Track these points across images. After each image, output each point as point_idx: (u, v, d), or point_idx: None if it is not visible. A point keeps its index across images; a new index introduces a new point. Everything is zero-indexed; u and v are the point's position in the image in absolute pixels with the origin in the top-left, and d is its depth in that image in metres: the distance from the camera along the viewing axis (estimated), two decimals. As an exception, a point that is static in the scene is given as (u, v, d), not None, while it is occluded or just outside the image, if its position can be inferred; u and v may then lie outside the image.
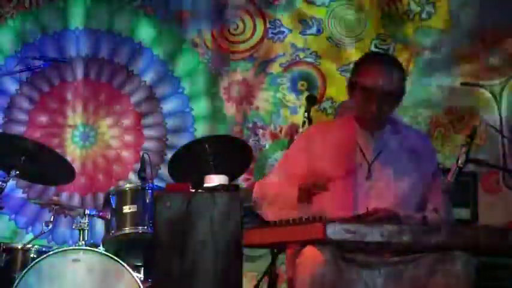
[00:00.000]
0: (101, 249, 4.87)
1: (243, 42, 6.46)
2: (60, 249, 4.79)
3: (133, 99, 6.40)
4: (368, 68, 3.80)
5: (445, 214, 3.81)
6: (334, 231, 3.37)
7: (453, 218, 3.92)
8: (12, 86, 6.33)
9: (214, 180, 4.42)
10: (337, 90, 6.36)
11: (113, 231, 5.01)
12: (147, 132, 6.39)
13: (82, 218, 4.97)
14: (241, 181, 6.10)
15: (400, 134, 3.91)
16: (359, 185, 3.77)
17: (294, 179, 3.83)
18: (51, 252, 4.73)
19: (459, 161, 3.66)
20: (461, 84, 6.35)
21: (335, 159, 3.81)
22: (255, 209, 3.96)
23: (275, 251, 4.05)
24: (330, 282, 3.42)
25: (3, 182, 4.91)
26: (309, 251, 3.45)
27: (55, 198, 5.43)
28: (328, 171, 3.78)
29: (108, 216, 5.05)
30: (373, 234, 3.39)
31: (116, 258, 4.68)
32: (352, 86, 3.84)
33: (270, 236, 3.56)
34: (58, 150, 5.75)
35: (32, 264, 4.65)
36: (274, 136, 6.39)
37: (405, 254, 3.60)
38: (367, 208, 3.64)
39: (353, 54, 6.33)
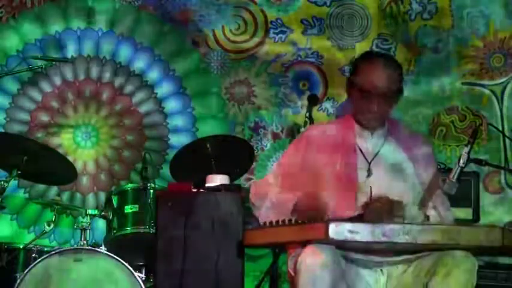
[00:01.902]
0: (103, 249, 4.87)
1: (245, 41, 6.46)
2: (62, 249, 4.80)
3: (135, 99, 6.40)
4: (366, 68, 3.80)
5: (445, 212, 3.81)
6: (336, 231, 3.36)
7: (453, 218, 3.91)
8: (13, 86, 6.34)
9: (215, 180, 4.43)
10: (339, 90, 6.36)
11: (114, 231, 5.02)
12: (148, 132, 6.39)
13: (84, 217, 4.98)
14: (243, 181, 6.11)
15: (399, 134, 3.91)
16: (359, 184, 3.77)
17: (291, 180, 3.83)
18: (52, 252, 4.74)
19: (461, 161, 3.66)
20: (463, 83, 6.35)
21: (334, 158, 3.81)
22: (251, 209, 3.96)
23: (277, 250, 4.05)
24: (331, 282, 3.41)
25: (5, 182, 4.92)
26: (310, 251, 3.44)
27: (57, 198, 5.44)
28: (327, 171, 3.78)
29: (110, 216, 5.06)
30: (376, 234, 3.39)
31: (117, 258, 4.69)
32: (350, 86, 3.85)
33: (271, 236, 3.55)
34: (60, 150, 5.76)
35: (34, 264, 4.65)
36: (275, 136, 6.38)
37: (407, 254, 3.60)
38: (370, 199, 3.65)
39: (355, 54, 6.33)
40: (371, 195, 3.67)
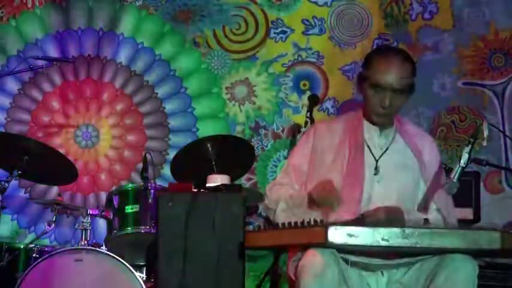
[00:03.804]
0: (104, 249, 4.87)
1: (245, 41, 6.47)
2: (62, 249, 4.79)
3: (136, 99, 6.40)
4: (379, 62, 3.74)
5: (448, 214, 3.80)
6: (335, 235, 3.36)
7: (455, 218, 3.90)
8: (14, 86, 6.34)
9: (216, 180, 4.42)
10: (339, 90, 6.36)
11: (115, 231, 5.02)
12: (149, 132, 6.39)
13: (84, 217, 4.97)
14: (244, 181, 6.11)
15: (406, 132, 3.90)
16: (365, 181, 3.76)
17: (303, 177, 3.83)
18: (53, 252, 4.73)
19: (462, 161, 3.65)
20: (464, 84, 6.35)
21: (342, 154, 3.80)
22: (267, 214, 3.95)
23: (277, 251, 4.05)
24: (332, 285, 3.41)
25: (5, 181, 4.91)
26: (311, 255, 3.43)
27: (57, 198, 5.43)
28: (335, 167, 3.77)
29: (111, 216, 5.06)
30: (375, 238, 3.38)
31: (118, 258, 4.68)
32: (362, 80, 3.81)
33: (272, 238, 3.55)
34: (60, 150, 5.76)
35: (34, 264, 4.65)
36: (276, 136, 6.39)
37: (408, 257, 3.59)
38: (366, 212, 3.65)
39: (355, 54, 6.34)
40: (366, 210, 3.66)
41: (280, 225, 3.54)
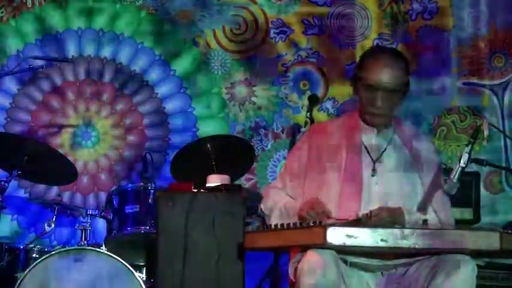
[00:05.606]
0: (103, 249, 4.87)
1: (245, 41, 6.46)
2: (62, 249, 4.79)
3: (136, 99, 6.40)
4: (372, 63, 3.75)
5: (444, 215, 3.80)
6: (334, 236, 3.35)
7: (453, 219, 3.90)
8: (14, 86, 6.33)
9: (216, 180, 4.42)
10: (339, 90, 6.36)
11: (115, 231, 5.02)
12: (149, 132, 6.39)
13: (84, 218, 4.98)
14: (244, 181, 6.11)
15: (404, 133, 3.89)
16: (364, 182, 3.76)
17: (299, 181, 3.83)
18: (53, 252, 4.73)
19: (462, 161, 3.65)
20: (464, 84, 6.35)
21: (339, 156, 3.80)
22: (264, 217, 3.96)
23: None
24: (332, 286, 3.41)
25: (5, 182, 4.91)
26: (310, 256, 3.43)
27: (57, 198, 5.43)
28: (332, 169, 3.77)
29: (110, 216, 5.05)
30: (374, 239, 3.38)
31: (118, 258, 4.68)
32: (356, 81, 3.82)
33: (271, 239, 3.55)
34: (60, 150, 5.75)
35: (34, 264, 4.65)
36: (276, 136, 6.38)
37: (406, 257, 3.59)
38: (370, 212, 3.63)
39: (355, 54, 6.33)
40: (371, 213, 3.64)
41: (279, 226, 3.54)
